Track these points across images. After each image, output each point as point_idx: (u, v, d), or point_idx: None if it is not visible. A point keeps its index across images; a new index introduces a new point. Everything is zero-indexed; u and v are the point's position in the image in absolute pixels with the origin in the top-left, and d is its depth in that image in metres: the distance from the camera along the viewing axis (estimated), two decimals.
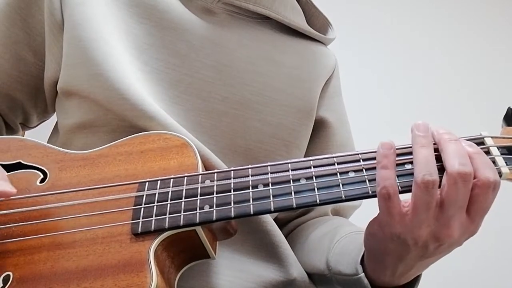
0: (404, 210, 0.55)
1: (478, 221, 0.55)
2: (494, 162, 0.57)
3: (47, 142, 0.84)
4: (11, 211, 0.64)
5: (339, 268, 0.69)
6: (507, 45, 2.56)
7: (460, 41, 2.54)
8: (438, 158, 0.56)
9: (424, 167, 0.54)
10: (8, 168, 0.68)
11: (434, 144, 0.57)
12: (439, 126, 0.58)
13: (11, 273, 0.59)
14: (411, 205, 0.54)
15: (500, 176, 0.56)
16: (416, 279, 0.64)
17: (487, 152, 0.58)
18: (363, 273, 0.64)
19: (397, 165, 0.57)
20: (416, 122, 0.58)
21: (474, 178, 0.54)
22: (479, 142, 0.59)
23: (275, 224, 0.77)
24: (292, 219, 0.91)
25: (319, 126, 0.91)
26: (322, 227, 0.83)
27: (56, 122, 0.86)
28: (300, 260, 0.79)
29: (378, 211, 0.58)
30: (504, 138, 0.59)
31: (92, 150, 0.69)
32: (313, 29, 0.94)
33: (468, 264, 1.99)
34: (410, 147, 0.58)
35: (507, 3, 2.65)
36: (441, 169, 0.55)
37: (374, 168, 0.58)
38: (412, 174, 0.55)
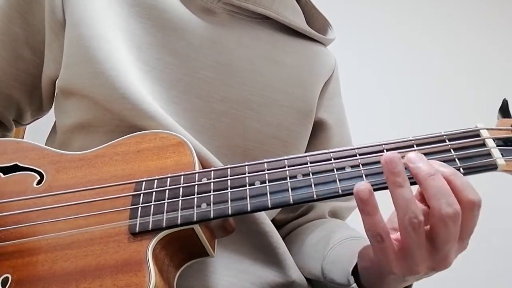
0: (397, 249, 0.54)
1: (468, 240, 0.55)
2: (489, 154, 0.57)
3: (45, 142, 0.84)
4: (9, 213, 0.64)
5: (332, 276, 0.69)
6: (506, 44, 2.56)
7: (459, 40, 2.54)
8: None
9: (407, 210, 0.52)
10: (5, 170, 0.68)
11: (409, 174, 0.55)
12: (411, 154, 0.55)
13: (9, 275, 0.59)
14: (402, 246, 0.54)
15: (496, 168, 0.57)
16: None
17: (483, 145, 0.58)
18: (355, 284, 0.64)
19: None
20: (385, 156, 0.54)
21: (459, 202, 0.53)
22: (475, 134, 0.59)
23: (273, 226, 0.77)
24: (290, 220, 0.91)
25: (318, 128, 0.90)
26: (318, 231, 0.83)
27: (54, 122, 0.85)
28: (297, 264, 0.79)
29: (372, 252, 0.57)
30: (499, 129, 0.59)
31: (89, 150, 0.69)
32: (313, 29, 0.94)
33: (470, 263, 1.98)
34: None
35: (507, 3, 2.65)
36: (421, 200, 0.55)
37: (371, 163, 0.59)
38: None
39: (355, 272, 0.64)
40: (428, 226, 0.53)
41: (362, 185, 0.54)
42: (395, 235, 0.55)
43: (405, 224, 0.52)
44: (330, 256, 0.72)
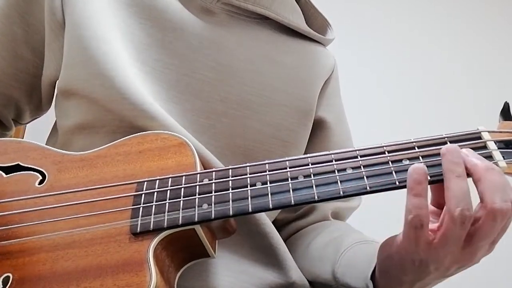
0: (431, 238, 0.53)
1: (496, 243, 0.55)
2: (491, 156, 0.57)
3: (46, 143, 0.84)
4: (10, 212, 0.64)
5: (346, 280, 0.68)
6: (506, 44, 2.55)
7: (459, 40, 2.53)
8: None
9: (462, 200, 0.51)
10: (7, 170, 0.68)
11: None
12: (468, 151, 0.55)
13: (10, 275, 0.59)
14: (441, 236, 0.53)
15: None
16: None
17: (484, 147, 0.58)
18: None
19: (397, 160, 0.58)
20: (447, 146, 0.55)
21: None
22: (476, 136, 0.59)
23: (273, 227, 0.77)
24: (291, 221, 0.90)
25: (318, 127, 0.90)
26: (324, 234, 0.83)
27: (55, 122, 0.85)
28: (302, 267, 0.79)
29: (398, 235, 0.57)
30: (501, 132, 0.59)
31: (91, 151, 0.69)
32: (312, 29, 0.94)
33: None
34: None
35: (508, 3, 2.65)
36: None
37: (372, 164, 0.59)
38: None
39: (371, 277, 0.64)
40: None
41: (420, 165, 0.54)
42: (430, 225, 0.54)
43: (455, 216, 0.51)
44: (343, 260, 0.72)
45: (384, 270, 0.62)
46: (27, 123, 0.97)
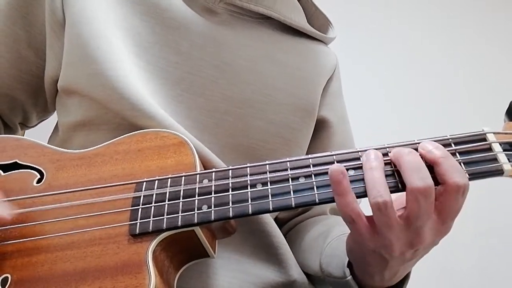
0: (372, 227, 0.55)
1: (450, 222, 0.56)
2: (496, 159, 0.56)
3: (48, 141, 0.84)
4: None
5: (330, 270, 0.70)
6: (507, 43, 2.53)
7: (460, 38, 2.51)
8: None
9: (372, 189, 0.54)
10: (5, 168, 0.67)
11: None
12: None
13: (9, 275, 0.59)
14: (374, 226, 0.55)
15: (502, 173, 0.56)
16: (408, 274, 0.65)
17: (489, 149, 0.57)
18: (351, 276, 0.65)
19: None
20: (369, 150, 0.58)
21: (443, 183, 0.54)
22: (481, 138, 0.58)
23: (276, 225, 0.77)
24: (291, 218, 0.90)
25: (320, 126, 0.90)
26: (317, 227, 0.83)
27: (57, 122, 0.85)
28: (298, 260, 0.79)
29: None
30: (506, 133, 0.57)
31: (89, 149, 0.68)
32: (314, 28, 0.93)
33: (471, 263, 1.99)
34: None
35: (508, 3, 2.61)
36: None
37: None
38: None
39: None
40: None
41: (335, 166, 0.56)
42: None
43: (371, 204, 0.54)
44: (327, 250, 0.72)
45: (353, 262, 0.65)
46: (34, 126, 0.97)
